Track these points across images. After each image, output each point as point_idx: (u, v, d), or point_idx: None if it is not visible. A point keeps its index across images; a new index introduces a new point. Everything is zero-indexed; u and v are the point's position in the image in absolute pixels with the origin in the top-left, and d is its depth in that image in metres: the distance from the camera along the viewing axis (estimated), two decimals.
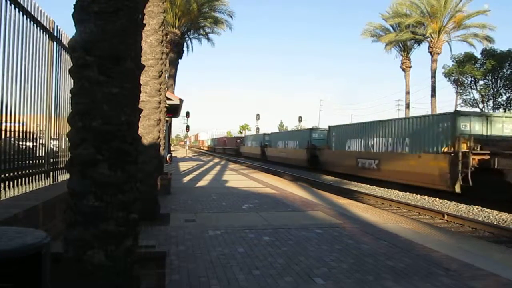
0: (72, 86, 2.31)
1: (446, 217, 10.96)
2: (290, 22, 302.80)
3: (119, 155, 2.29)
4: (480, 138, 14.40)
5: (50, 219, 4.07)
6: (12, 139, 4.10)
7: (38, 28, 4.67)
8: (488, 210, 12.25)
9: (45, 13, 4.81)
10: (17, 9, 4.02)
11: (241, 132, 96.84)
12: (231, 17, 29.25)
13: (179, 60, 28.88)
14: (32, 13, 4.40)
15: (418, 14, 33.07)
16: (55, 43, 5.32)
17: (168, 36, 23.29)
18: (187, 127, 41.78)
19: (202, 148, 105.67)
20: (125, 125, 2.31)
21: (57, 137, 5.67)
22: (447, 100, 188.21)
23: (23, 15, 4.18)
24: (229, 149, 66.26)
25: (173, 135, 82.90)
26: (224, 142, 74.46)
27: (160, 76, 6.67)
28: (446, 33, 32.65)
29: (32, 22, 4.45)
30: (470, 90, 34.41)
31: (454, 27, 32.33)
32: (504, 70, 31.07)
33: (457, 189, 13.90)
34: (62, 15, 4.83)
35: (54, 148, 5.55)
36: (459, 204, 13.39)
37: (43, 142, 5.17)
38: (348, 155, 23.07)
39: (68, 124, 2.40)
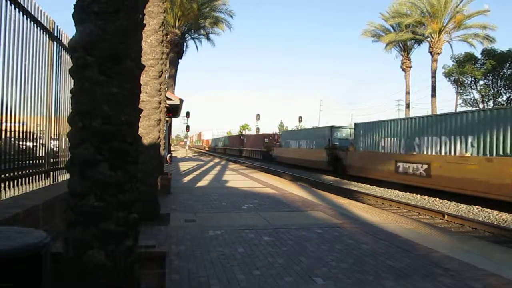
0: (72, 86, 2.31)
1: (446, 217, 10.95)
2: (290, 22, 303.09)
3: (119, 155, 2.29)
4: None
5: (50, 219, 4.07)
6: (12, 139, 4.10)
7: (38, 28, 4.67)
8: (488, 210, 12.25)
9: (45, 13, 4.81)
10: (17, 9, 4.02)
11: (241, 132, 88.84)
12: (231, 16, 29.32)
13: (179, 60, 28.94)
14: (32, 13, 4.40)
15: (418, 14, 33.10)
16: (55, 43, 5.32)
17: (168, 36, 23.32)
18: (187, 127, 41.83)
19: (207, 148, 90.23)
20: (125, 125, 2.31)
21: (57, 137, 5.67)
22: (448, 100, 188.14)
23: (23, 15, 4.18)
24: (249, 151, 50.17)
25: (173, 135, 75.68)
26: (241, 142, 56.24)
27: (160, 76, 6.68)
28: (446, 33, 32.66)
29: (32, 22, 4.46)
30: (470, 90, 34.44)
31: (455, 27, 32.34)
32: (504, 70, 31.07)
33: None
34: (62, 15, 4.83)
35: (54, 148, 5.55)
36: (459, 204, 13.38)
37: (43, 142, 5.17)
38: None
39: (68, 124, 2.40)
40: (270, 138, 44.79)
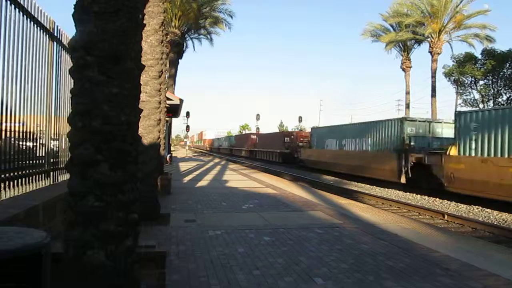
0: (72, 86, 2.31)
1: (446, 217, 10.96)
2: (290, 22, 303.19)
3: (120, 155, 2.29)
4: None
5: (50, 219, 4.07)
6: (12, 139, 4.10)
7: (38, 28, 4.67)
8: (488, 210, 12.24)
9: (45, 13, 4.81)
10: (17, 9, 4.02)
11: (241, 132, 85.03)
12: (231, 16, 29.34)
13: (179, 60, 28.94)
14: (32, 13, 4.40)
15: (418, 14, 33.12)
16: (55, 43, 5.32)
17: (168, 36, 23.31)
18: (187, 127, 41.84)
19: (208, 149, 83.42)
20: (125, 125, 2.31)
21: (57, 137, 5.67)
22: (448, 100, 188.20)
23: (23, 15, 4.18)
24: (264, 153, 42.38)
25: (173, 135, 73.46)
26: (252, 142, 47.94)
27: (160, 76, 6.67)
28: (446, 33, 32.67)
29: (32, 22, 4.45)
30: (470, 90, 34.42)
31: (455, 27, 32.35)
32: (504, 70, 31.07)
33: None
34: (62, 15, 4.84)
35: (54, 148, 5.55)
36: (459, 204, 13.38)
37: (43, 142, 5.17)
38: None
39: (68, 124, 2.40)
40: (292, 136, 36.73)
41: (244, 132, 76.46)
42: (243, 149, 51.68)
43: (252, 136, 50.13)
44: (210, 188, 11.98)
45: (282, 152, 36.70)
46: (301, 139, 35.19)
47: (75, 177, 2.26)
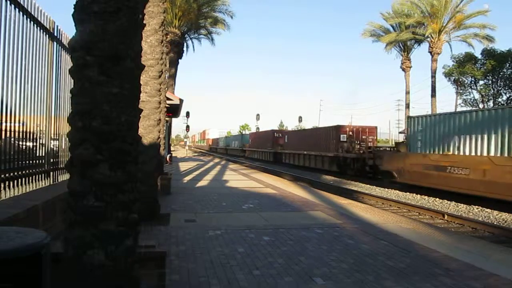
0: (72, 86, 2.31)
1: (446, 217, 10.95)
2: (290, 22, 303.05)
3: (119, 155, 2.29)
4: None
5: (50, 219, 4.07)
6: (12, 139, 4.10)
7: (38, 28, 4.67)
8: (488, 210, 12.24)
9: (45, 13, 4.81)
10: (17, 9, 4.02)
11: (241, 132, 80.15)
12: (231, 17, 29.35)
13: (179, 60, 28.95)
14: (32, 13, 4.40)
15: (418, 14, 33.15)
16: (55, 43, 5.32)
17: (168, 36, 23.32)
18: (187, 127, 41.85)
19: (214, 150, 73.43)
20: (125, 125, 2.31)
21: (57, 137, 5.67)
22: (447, 100, 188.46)
23: (23, 15, 4.18)
24: (299, 157, 30.43)
25: (173, 135, 71.85)
26: (276, 141, 36.88)
27: (160, 76, 6.67)
28: (446, 33, 32.70)
29: (32, 22, 4.46)
30: (470, 90, 34.44)
31: (454, 27, 32.39)
32: (504, 70, 31.09)
33: None
34: (62, 15, 4.84)
35: (54, 148, 5.55)
36: (459, 204, 13.38)
37: (43, 142, 5.17)
38: None
39: (68, 124, 2.40)
40: (350, 133, 24.61)
41: (244, 132, 71.48)
42: (262, 151, 40.54)
43: (276, 134, 38.02)
44: (210, 188, 11.98)
45: (338, 157, 24.29)
46: (363, 137, 24.43)
47: (75, 177, 2.26)
